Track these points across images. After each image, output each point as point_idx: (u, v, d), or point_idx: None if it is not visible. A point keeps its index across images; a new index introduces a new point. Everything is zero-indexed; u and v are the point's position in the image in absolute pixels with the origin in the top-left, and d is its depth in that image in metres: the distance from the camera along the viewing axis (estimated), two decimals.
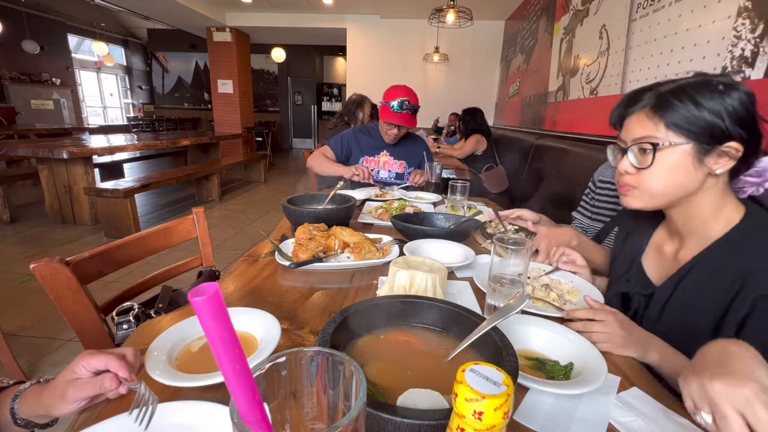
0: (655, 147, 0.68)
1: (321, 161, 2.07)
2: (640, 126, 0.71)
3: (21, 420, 0.52)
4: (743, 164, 0.68)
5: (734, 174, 0.70)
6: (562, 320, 0.72)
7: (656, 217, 0.84)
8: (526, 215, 1.17)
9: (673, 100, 0.67)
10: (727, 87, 0.65)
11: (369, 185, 1.91)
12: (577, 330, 0.68)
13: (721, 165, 0.67)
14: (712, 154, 0.66)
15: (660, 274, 0.80)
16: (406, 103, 1.81)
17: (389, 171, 2.06)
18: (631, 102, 0.74)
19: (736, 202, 0.71)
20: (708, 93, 0.65)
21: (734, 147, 0.65)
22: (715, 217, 0.71)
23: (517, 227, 1.25)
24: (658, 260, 0.82)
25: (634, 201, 0.76)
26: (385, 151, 2.05)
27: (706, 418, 0.41)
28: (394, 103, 1.81)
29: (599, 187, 1.33)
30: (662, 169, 0.69)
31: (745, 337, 0.61)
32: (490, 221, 1.33)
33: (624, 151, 0.74)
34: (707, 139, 0.65)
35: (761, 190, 0.72)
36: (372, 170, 2.05)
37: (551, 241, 1.01)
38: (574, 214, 1.45)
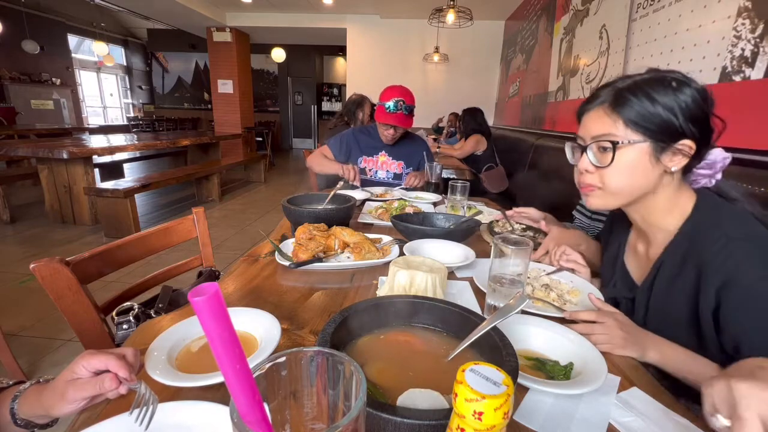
0: (614, 145, 0.68)
1: (320, 160, 2.07)
2: (599, 123, 0.71)
3: (21, 420, 0.52)
4: (695, 158, 0.68)
5: (688, 168, 0.70)
6: (562, 320, 0.72)
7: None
8: (532, 214, 1.17)
9: (629, 96, 0.67)
10: (680, 83, 0.65)
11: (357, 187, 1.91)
12: (579, 331, 0.68)
13: (676, 163, 0.67)
14: (667, 152, 0.67)
15: (639, 274, 0.80)
16: (401, 103, 1.80)
17: (387, 171, 2.06)
18: (590, 98, 0.74)
19: (689, 193, 0.72)
20: (662, 89, 0.65)
21: (687, 145, 0.66)
22: (671, 212, 0.72)
23: (524, 226, 1.24)
24: (636, 260, 0.82)
25: (595, 200, 0.76)
26: (383, 152, 2.05)
27: (723, 421, 0.38)
28: (389, 104, 1.81)
29: None
30: (621, 167, 0.69)
31: (724, 331, 0.61)
32: (497, 220, 1.33)
33: (583, 149, 0.74)
34: (663, 136, 0.66)
35: (713, 181, 0.73)
36: (370, 170, 2.04)
37: (560, 243, 1.01)
38: (575, 213, 1.45)
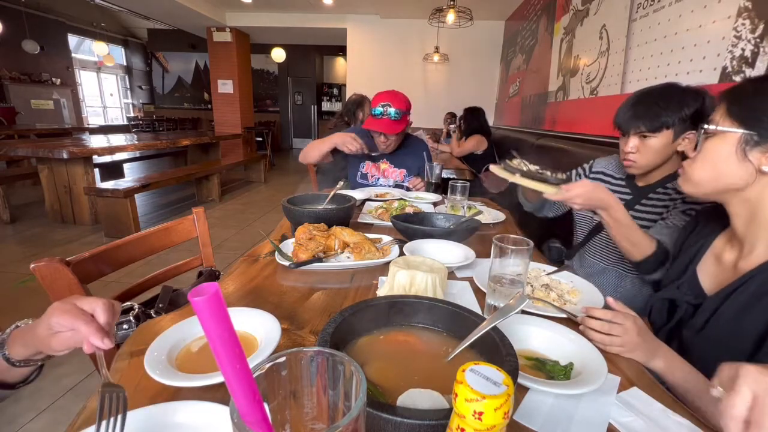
0: (703, 131, 0.65)
1: (312, 144, 1.88)
2: (716, 111, 0.68)
3: (19, 362, 0.55)
4: None
5: None
6: (562, 320, 0.72)
7: (720, 221, 0.78)
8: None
9: (746, 85, 0.65)
10: None
11: (367, 156, 1.82)
12: (592, 328, 0.67)
13: None
14: (758, 148, 0.62)
15: (714, 284, 0.74)
16: (387, 107, 1.71)
17: (388, 179, 2.00)
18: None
19: None
20: None
21: None
22: None
23: (538, 168, 1.14)
24: (716, 268, 0.76)
25: (683, 184, 0.75)
26: (384, 158, 1.98)
27: (720, 391, 0.41)
28: (376, 109, 1.73)
29: (591, 177, 1.32)
30: (705, 156, 0.66)
31: None
32: (513, 157, 1.28)
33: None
34: (758, 128, 0.61)
35: None
36: (372, 176, 2.00)
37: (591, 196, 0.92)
38: None
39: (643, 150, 1.07)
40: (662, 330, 0.79)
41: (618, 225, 0.95)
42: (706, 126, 0.66)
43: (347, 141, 1.75)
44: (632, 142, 1.08)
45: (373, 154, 1.87)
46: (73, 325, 0.49)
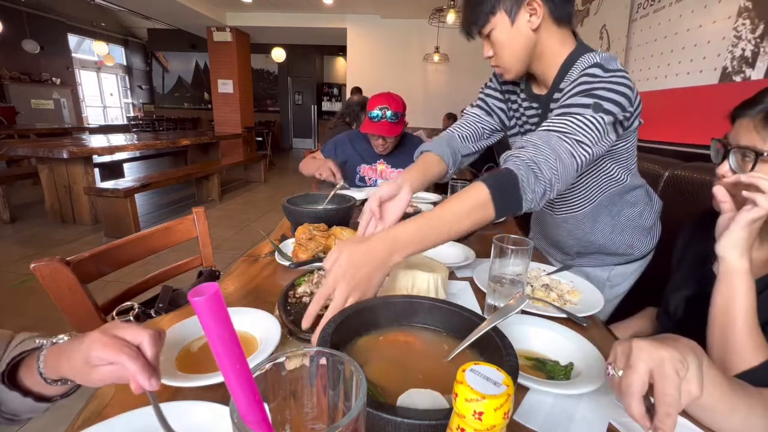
0: (757, 156, 0.62)
1: (308, 162, 1.96)
2: (746, 135, 0.65)
3: (54, 381, 0.52)
4: None
5: None
6: (562, 320, 0.72)
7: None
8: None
9: None
10: None
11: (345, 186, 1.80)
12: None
13: None
14: None
15: None
16: (385, 110, 1.72)
17: (387, 180, 2.01)
18: (751, 101, 0.67)
19: None
20: None
21: None
22: None
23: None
24: None
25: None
26: (381, 159, 1.98)
27: (617, 372, 0.43)
28: (373, 112, 1.73)
29: (504, 90, 1.19)
30: None
31: None
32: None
33: (726, 152, 0.67)
34: None
35: None
36: (369, 179, 2.00)
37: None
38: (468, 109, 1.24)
39: (496, 49, 0.97)
40: (682, 326, 0.76)
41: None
42: (763, 153, 0.62)
43: (324, 168, 1.76)
44: (485, 50, 1.00)
45: (339, 184, 1.70)
46: (117, 359, 0.43)
